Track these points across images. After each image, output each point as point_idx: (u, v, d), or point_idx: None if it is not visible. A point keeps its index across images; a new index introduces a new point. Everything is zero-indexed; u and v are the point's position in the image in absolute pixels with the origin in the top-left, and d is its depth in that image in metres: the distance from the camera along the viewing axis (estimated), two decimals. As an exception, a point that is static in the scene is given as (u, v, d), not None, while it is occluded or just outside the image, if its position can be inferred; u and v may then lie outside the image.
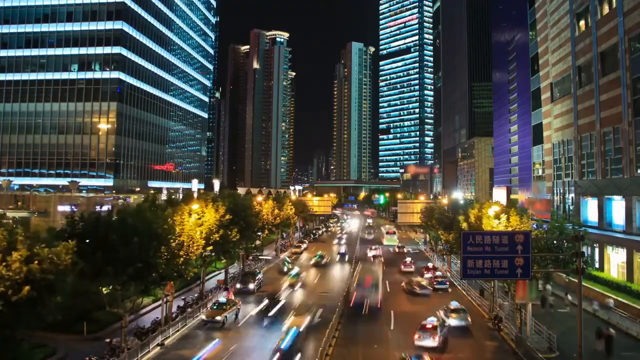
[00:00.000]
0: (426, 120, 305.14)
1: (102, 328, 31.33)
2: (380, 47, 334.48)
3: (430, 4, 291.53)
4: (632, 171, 43.31)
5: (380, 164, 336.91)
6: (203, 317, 33.77)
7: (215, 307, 34.43)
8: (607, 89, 47.93)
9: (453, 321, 33.32)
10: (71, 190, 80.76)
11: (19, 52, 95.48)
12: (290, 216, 79.19)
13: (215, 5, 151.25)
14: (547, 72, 67.05)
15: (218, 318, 32.86)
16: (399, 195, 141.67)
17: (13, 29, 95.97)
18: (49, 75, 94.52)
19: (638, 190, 42.75)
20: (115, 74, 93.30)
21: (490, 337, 32.29)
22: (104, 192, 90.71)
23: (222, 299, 36.30)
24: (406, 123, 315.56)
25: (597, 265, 47.77)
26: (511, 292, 32.36)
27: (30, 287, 17.36)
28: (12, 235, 18.22)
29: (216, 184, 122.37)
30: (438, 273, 52.04)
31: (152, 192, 68.37)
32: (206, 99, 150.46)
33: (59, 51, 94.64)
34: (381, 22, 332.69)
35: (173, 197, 56.45)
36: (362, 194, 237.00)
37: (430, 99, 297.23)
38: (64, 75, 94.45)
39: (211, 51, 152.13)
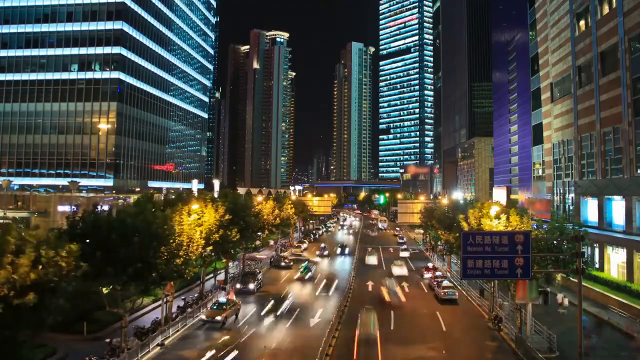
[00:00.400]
0: (426, 120, 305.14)
1: (102, 328, 31.32)
2: (380, 47, 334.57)
3: (430, 4, 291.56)
4: (632, 171, 43.33)
5: (380, 164, 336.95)
6: (203, 317, 33.78)
7: (215, 307, 34.45)
8: (607, 89, 47.94)
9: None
10: (71, 190, 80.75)
11: (19, 52, 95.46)
12: (290, 216, 79.17)
13: (215, 5, 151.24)
14: (547, 72, 67.06)
15: (218, 318, 32.88)
16: (399, 196, 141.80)
17: (13, 29, 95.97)
18: (49, 75, 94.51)
19: (638, 190, 42.76)
20: (115, 74, 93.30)
21: (490, 337, 32.28)
22: (104, 192, 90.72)
23: (222, 299, 36.32)
24: (406, 123, 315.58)
25: (597, 266, 47.78)
26: (511, 292, 32.37)
27: (34, 291, 17.32)
28: (21, 240, 18.13)
29: (216, 184, 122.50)
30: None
31: (151, 192, 68.33)
32: (206, 99, 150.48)
33: (59, 51, 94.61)
34: (381, 22, 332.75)
35: (172, 197, 56.37)
36: (362, 194, 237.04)
37: (430, 99, 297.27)
38: (64, 75, 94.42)
39: (211, 51, 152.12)
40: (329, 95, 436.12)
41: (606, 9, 48.55)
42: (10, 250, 17.48)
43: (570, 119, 57.75)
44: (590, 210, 52.85)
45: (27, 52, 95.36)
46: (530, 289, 27.73)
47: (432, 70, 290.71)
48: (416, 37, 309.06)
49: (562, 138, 60.56)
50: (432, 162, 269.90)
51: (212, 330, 32.63)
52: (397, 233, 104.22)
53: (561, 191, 61.18)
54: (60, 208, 72.17)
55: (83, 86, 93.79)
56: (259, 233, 61.57)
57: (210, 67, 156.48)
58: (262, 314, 36.92)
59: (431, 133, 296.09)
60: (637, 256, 41.43)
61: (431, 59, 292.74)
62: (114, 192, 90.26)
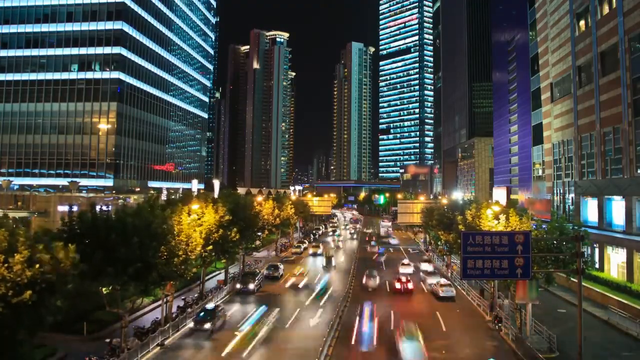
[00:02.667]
0: (426, 120, 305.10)
1: (102, 328, 31.33)
2: (380, 47, 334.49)
3: (430, 4, 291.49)
4: (632, 171, 43.31)
5: (380, 164, 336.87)
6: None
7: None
8: (607, 89, 47.94)
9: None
10: (71, 190, 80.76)
11: (19, 52, 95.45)
12: (290, 216, 79.14)
13: (215, 5, 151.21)
14: (547, 72, 67.05)
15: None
16: (399, 196, 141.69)
17: (13, 29, 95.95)
18: (49, 75, 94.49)
19: (638, 190, 42.74)
20: (115, 74, 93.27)
21: (490, 337, 32.25)
22: (104, 192, 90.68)
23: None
24: (406, 123, 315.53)
25: (597, 266, 47.76)
26: (511, 292, 32.38)
27: (31, 290, 17.33)
28: (13, 237, 18.16)
29: (216, 184, 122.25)
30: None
31: (152, 192, 68.51)
32: (206, 99, 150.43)
33: (59, 51, 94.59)
34: (381, 22, 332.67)
35: (172, 197, 56.45)
36: (362, 194, 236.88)
37: (430, 99, 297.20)
38: (64, 75, 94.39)
39: (211, 51, 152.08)
40: (329, 95, 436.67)
41: (606, 9, 48.54)
42: (2, 249, 17.49)
43: (570, 119, 57.74)
44: (590, 210, 52.83)
45: (27, 52, 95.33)
46: (530, 289, 27.72)
47: (432, 70, 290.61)
48: (416, 37, 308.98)
49: (562, 138, 60.55)
50: (432, 162, 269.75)
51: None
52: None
53: (561, 191, 61.17)
54: (60, 208, 72.12)
55: (83, 86, 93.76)
56: (259, 233, 61.55)
57: (210, 67, 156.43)
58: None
59: (431, 133, 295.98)
60: (637, 256, 41.42)
61: (431, 59, 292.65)
62: (114, 192, 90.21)
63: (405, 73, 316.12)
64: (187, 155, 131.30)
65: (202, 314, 32.50)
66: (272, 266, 53.23)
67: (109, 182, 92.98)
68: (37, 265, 17.91)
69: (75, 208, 60.63)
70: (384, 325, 33.33)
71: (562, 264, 29.51)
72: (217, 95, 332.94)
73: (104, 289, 26.17)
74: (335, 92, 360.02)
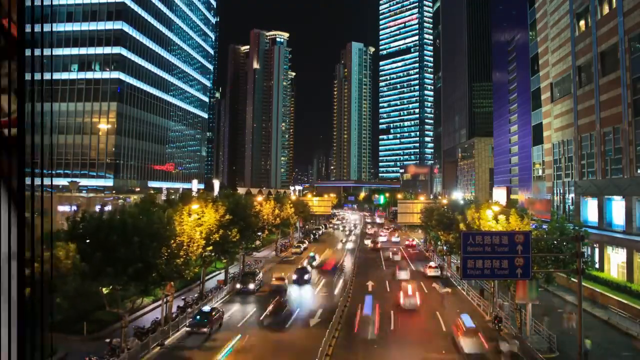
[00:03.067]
0: (426, 120, 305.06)
1: (102, 328, 31.33)
2: (380, 47, 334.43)
3: (430, 4, 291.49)
4: (632, 171, 43.33)
5: (380, 164, 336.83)
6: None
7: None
8: (607, 89, 47.95)
9: None
10: (71, 190, 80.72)
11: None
12: (290, 216, 79.19)
13: (215, 6, 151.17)
14: (547, 72, 67.07)
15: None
16: (399, 196, 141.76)
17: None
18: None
19: (638, 190, 42.75)
20: (115, 74, 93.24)
21: (491, 337, 32.23)
22: (104, 192, 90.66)
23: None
24: (406, 123, 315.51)
25: (597, 266, 47.77)
26: (511, 292, 32.37)
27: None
28: None
29: (216, 184, 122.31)
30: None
31: (151, 192, 68.57)
32: (206, 99, 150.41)
33: (59, 51, 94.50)
34: (381, 22, 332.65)
35: (172, 197, 56.47)
36: (362, 194, 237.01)
37: (430, 99, 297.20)
38: (64, 75, 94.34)
39: (211, 51, 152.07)
40: (329, 95, 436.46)
41: (606, 9, 48.57)
42: None
43: (570, 119, 57.76)
44: (590, 210, 52.85)
45: (27, 52, 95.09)
46: (530, 289, 27.73)
47: (432, 70, 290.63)
48: (416, 37, 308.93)
49: (562, 138, 60.56)
50: (432, 162, 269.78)
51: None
52: None
53: (561, 191, 61.18)
54: (60, 208, 72.10)
55: (83, 86, 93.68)
56: (259, 233, 61.58)
57: (210, 67, 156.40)
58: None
59: (431, 133, 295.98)
60: (637, 256, 41.44)
61: (431, 59, 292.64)
62: (114, 192, 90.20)
63: (405, 73, 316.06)
64: (187, 155, 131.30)
65: (198, 317, 31.68)
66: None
67: (109, 182, 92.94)
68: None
69: (74, 208, 60.66)
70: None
71: (562, 264, 29.53)
72: (217, 95, 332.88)
73: (104, 289, 26.16)
74: (335, 92, 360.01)
